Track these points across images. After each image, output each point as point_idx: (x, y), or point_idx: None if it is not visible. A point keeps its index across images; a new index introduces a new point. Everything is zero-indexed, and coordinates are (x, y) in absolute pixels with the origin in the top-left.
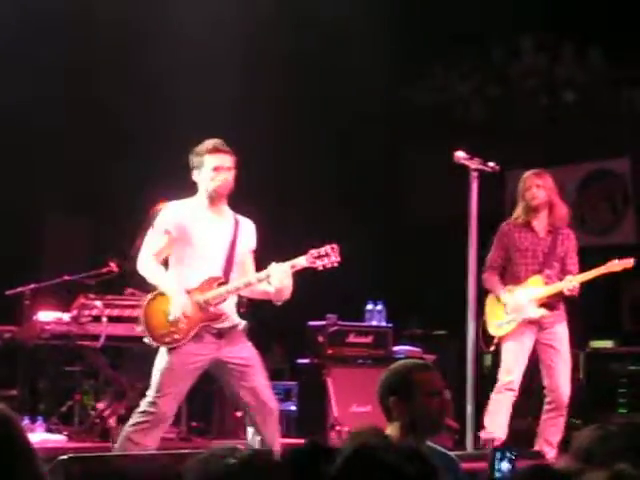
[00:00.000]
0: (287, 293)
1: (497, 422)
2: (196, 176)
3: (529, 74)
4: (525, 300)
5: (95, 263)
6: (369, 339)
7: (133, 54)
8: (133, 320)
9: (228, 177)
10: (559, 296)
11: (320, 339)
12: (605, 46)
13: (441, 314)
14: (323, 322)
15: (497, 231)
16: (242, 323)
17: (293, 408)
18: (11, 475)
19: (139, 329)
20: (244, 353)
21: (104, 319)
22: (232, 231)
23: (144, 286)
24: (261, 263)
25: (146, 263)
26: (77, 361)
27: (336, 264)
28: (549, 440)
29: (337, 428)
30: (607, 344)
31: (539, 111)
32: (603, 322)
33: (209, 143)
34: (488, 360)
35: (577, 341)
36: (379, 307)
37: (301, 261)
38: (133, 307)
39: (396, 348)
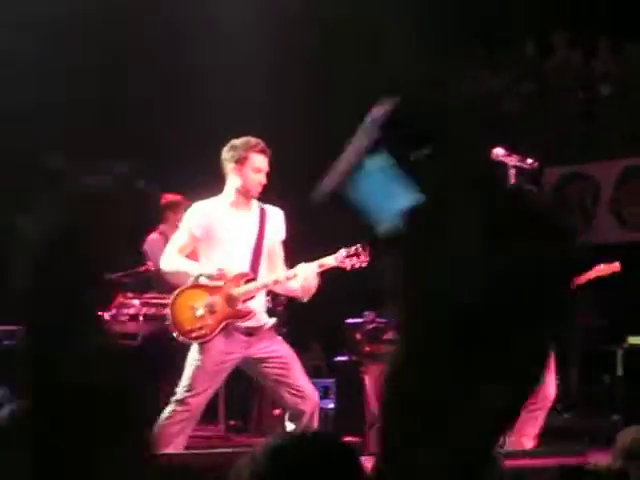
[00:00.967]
0: (313, 291)
1: None
2: (232, 169)
3: (564, 69)
4: None
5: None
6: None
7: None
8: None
9: (264, 180)
10: None
11: (358, 336)
12: None
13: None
14: (361, 319)
15: None
16: (270, 321)
17: (331, 406)
18: None
19: (167, 324)
20: (276, 348)
21: (140, 318)
22: (258, 224)
23: (165, 289)
24: (295, 256)
25: (170, 259)
26: None
27: (365, 264)
28: (528, 433)
29: (376, 425)
30: None
31: (575, 106)
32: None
33: (255, 141)
34: None
35: (614, 337)
36: None
37: (330, 260)
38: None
39: None
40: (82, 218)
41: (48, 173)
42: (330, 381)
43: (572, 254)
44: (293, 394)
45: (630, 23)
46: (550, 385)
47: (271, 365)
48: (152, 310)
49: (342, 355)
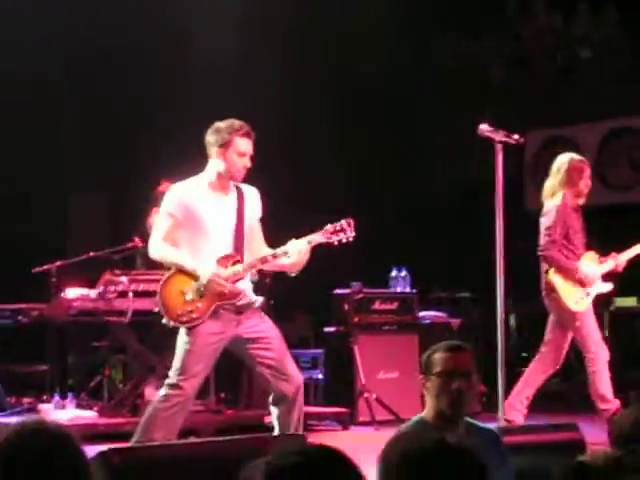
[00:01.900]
0: (302, 266)
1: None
2: (215, 152)
3: (544, 33)
4: (597, 275)
5: (117, 239)
6: (394, 305)
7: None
8: None
9: (248, 164)
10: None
11: (346, 307)
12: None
13: (465, 277)
14: (348, 290)
15: (556, 211)
16: (259, 300)
17: (320, 376)
18: None
19: (156, 309)
20: (263, 328)
21: (130, 294)
22: (237, 204)
23: (152, 265)
24: (283, 233)
25: (157, 247)
26: (105, 337)
27: (351, 239)
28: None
29: (365, 395)
30: (631, 301)
31: (555, 70)
32: (627, 279)
33: (239, 124)
34: (512, 320)
35: (601, 299)
36: (403, 273)
37: (317, 237)
38: (158, 282)
39: (422, 314)
40: None
41: None
42: (319, 351)
43: None
44: (277, 377)
45: None
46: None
47: (258, 346)
48: (141, 286)
49: (330, 326)
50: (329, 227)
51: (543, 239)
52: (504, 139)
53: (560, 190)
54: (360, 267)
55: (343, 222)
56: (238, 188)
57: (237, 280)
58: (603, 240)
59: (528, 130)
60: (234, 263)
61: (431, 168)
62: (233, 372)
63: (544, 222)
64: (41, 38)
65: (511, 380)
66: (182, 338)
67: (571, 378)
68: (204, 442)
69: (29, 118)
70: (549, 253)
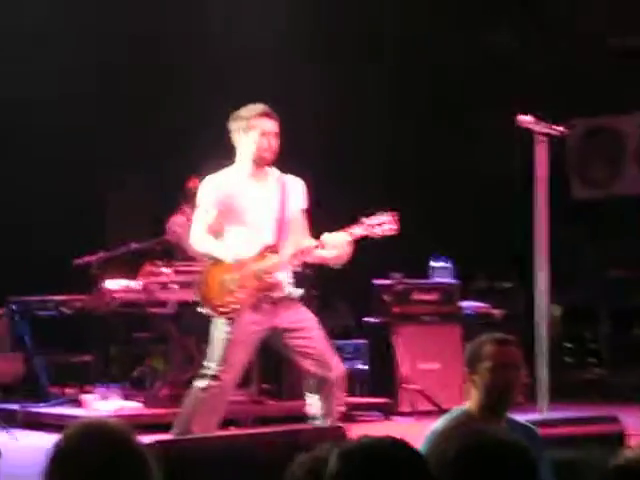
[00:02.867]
0: (345, 259)
1: None
2: (239, 140)
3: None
4: None
5: (157, 229)
6: (435, 296)
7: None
8: None
9: (274, 143)
10: None
11: (386, 298)
12: None
13: (507, 267)
14: (389, 281)
15: None
16: (298, 292)
17: (362, 367)
18: None
19: (196, 299)
20: (300, 318)
21: (172, 285)
22: (279, 194)
23: (190, 258)
24: (324, 226)
25: (199, 240)
26: (146, 327)
27: (394, 231)
28: None
29: (406, 386)
30: None
31: (598, 59)
32: None
33: (256, 107)
34: (557, 311)
35: None
36: (445, 264)
37: (359, 230)
38: (199, 272)
39: (463, 304)
40: None
41: None
42: (361, 342)
43: None
44: (317, 366)
45: None
46: None
47: (295, 336)
48: (182, 277)
49: (370, 316)
50: (371, 219)
51: None
52: (547, 130)
53: None
54: (402, 257)
55: (385, 215)
56: (281, 178)
57: (276, 270)
58: None
59: (568, 120)
60: (274, 253)
61: (474, 157)
62: (276, 363)
63: None
64: (73, 31)
65: (554, 371)
66: (221, 328)
67: (612, 368)
68: (245, 434)
69: (68, 110)
70: None
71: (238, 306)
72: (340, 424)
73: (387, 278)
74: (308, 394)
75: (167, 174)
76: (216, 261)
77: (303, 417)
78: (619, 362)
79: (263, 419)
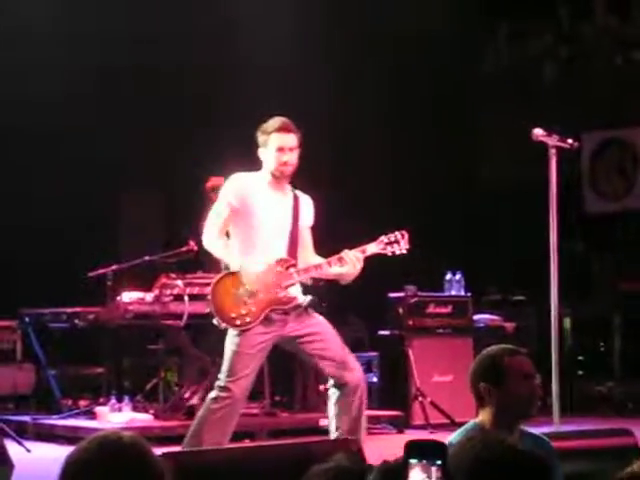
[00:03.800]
0: (355, 276)
1: None
2: (261, 154)
3: (601, 34)
4: None
5: (172, 240)
6: (449, 309)
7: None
8: None
9: (291, 158)
10: None
11: (400, 310)
12: None
13: (519, 280)
14: (402, 293)
15: None
16: (306, 299)
17: (374, 380)
18: None
19: (208, 310)
20: (311, 323)
21: (186, 298)
22: (292, 209)
23: (214, 268)
24: (334, 244)
25: (212, 238)
26: (160, 339)
27: (405, 251)
28: None
29: (419, 398)
30: None
31: (612, 71)
32: None
33: (275, 121)
34: (567, 323)
35: None
36: (458, 277)
37: (372, 248)
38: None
39: (476, 317)
40: None
41: None
42: (373, 355)
43: None
44: (335, 366)
45: None
46: None
47: (308, 340)
48: (196, 289)
49: (384, 329)
50: (384, 238)
51: None
52: (558, 143)
53: None
54: (415, 270)
55: (397, 234)
56: (295, 194)
57: (291, 285)
58: None
59: (582, 132)
60: (288, 267)
61: (486, 170)
62: (288, 376)
63: None
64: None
65: (566, 384)
66: (230, 339)
67: (624, 381)
68: (257, 447)
69: (78, 117)
70: None
71: (250, 319)
72: (354, 437)
73: (401, 291)
74: (329, 400)
75: (181, 188)
76: (228, 272)
77: (316, 429)
78: (631, 375)
79: (276, 431)
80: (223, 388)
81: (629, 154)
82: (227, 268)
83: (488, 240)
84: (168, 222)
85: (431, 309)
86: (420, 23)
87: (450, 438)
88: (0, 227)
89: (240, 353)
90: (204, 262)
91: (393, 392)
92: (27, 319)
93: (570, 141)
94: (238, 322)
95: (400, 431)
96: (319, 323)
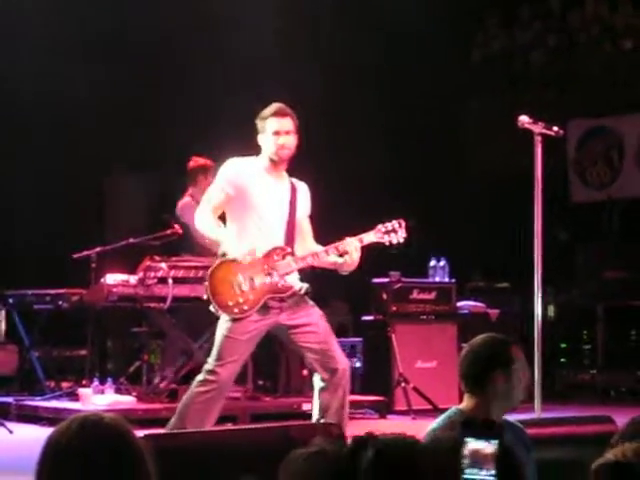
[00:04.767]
0: (354, 266)
1: None
2: (260, 140)
3: (590, 22)
4: None
5: (156, 224)
6: (432, 295)
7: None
8: (198, 281)
9: (287, 141)
10: None
11: (384, 296)
12: None
13: (504, 267)
14: (387, 279)
15: None
16: (304, 287)
17: (358, 365)
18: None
19: (205, 297)
20: (306, 314)
21: (170, 280)
22: (290, 196)
23: (196, 251)
24: (329, 233)
25: (204, 218)
26: (144, 322)
27: (402, 240)
28: None
29: (402, 384)
30: None
31: (600, 60)
32: None
33: (272, 107)
34: (551, 311)
35: None
36: (442, 263)
37: (370, 237)
38: (197, 268)
39: (460, 304)
40: None
41: None
42: (357, 340)
43: None
44: (322, 360)
45: None
46: None
47: (301, 331)
48: (181, 272)
49: (368, 314)
50: (381, 227)
51: None
52: (543, 131)
53: None
54: (399, 256)
55: (395, 222)
56: (292, 181)
57: (288, 273)
58: None
59: (569, 121)
60: (285, 256)
61: (471, 158)
62: (271, 360)
63: None
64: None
65: (549, 372)
66: (223, 324)
67: (607, 369)
68: (238, 429)
69: (63, 102)
70: None
71: (247, 307)
72: (343, 419)
73: (385, 277)
74: (314, 388)
75: (166, 170)
76: (226, 258)
77: (299, 413)
78: (614, 363)
79: (259, 415)
80: (211, 372)
81: (615, 143)
82: (224, 255)
83: (475, 229)
84: (153, 205)
85: (415, 295)
86: (410, 11)
87: (432, 425)
88: None
89: (231, 338)
90: (187, 245)
91: (376, 377)
92: (11, 300)
93: (555, 129)
94: (235, 310)
95: (382, 416)
96: (313, 314)
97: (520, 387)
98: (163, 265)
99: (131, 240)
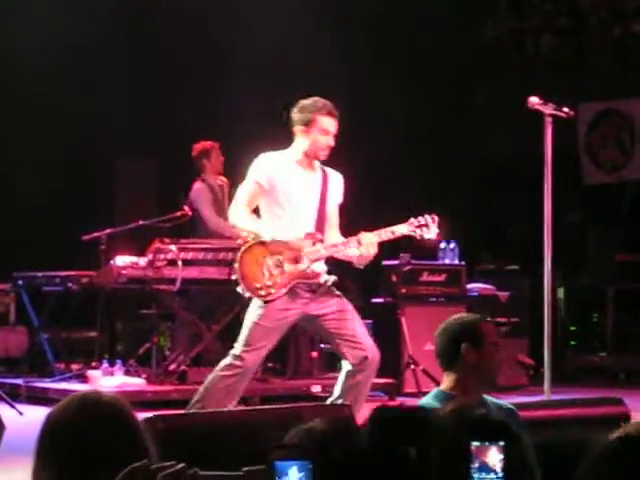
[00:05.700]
0: (370, 260)
1: None
2: (299, 131)
3: (600, 5)
4: None
5: (165, 206)
6: (442, 277)
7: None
8: (207, 263)
9: (332, 143)
10: None
11: (394, 278)
12: None
13: (514, 250)
14: (397, 261)
15: None
16: (331, 279)
17: None
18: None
19: (233, 278)
20: (333, 302)
21: (179, 263)
22: (321, 185)
23: (204, 234)
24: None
25: (238, 212)
26: (153, 304)
27: (434, 236)
28: None
29: (411, 366)
30: None
31: (609, 43)
32: None
33: (323, 103)
34: (561, 293)
35: None
36: (452, 245)
37: (402, 229)
38: (207, 250)
39: (469, 286)
40: None
41: None
42: (367, 322)
43: None
44: (351, 347)
45: None
46: None
47: (330, 319)
48: (190, 255)
49: (378, 296)
50: (414, 220)
51: None
52: (554, 112)
53: None
54: (409, 238)
55: (427, 217)
56: (324, 170)
57: (317, 260)
58: None
59: (580, 104)
60: (315, 243)
61: (482, 141)
62: (281, 342)
63: None
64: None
65: (558, 354)
66: (253, 310)
67: (617, 351)
68: (247, 410)
69: (74, 83)
70: None
71: (274, 290)
72: (347, 403)
73: (395, 259)
74: (341, 372)
75: (178, 155)
76: (258, 241)
77: (308, 395)
78: (624, 346)
79: (268, 398)
80: (237, 357)
81: (626, 126)
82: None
83: (483, 210)
84: (163, 187)
85: (425, 277)
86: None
87: (420, 403)
88: None
89: (260, 325)
90: (197, 228)
91: (386, 360)
92: (21, 282)
93: (566, 110)
94: (262, 292)
95: (392, 398)
96: (340, 303)
97: (493, 364)
98: (173, 247)
99: (141, 222)
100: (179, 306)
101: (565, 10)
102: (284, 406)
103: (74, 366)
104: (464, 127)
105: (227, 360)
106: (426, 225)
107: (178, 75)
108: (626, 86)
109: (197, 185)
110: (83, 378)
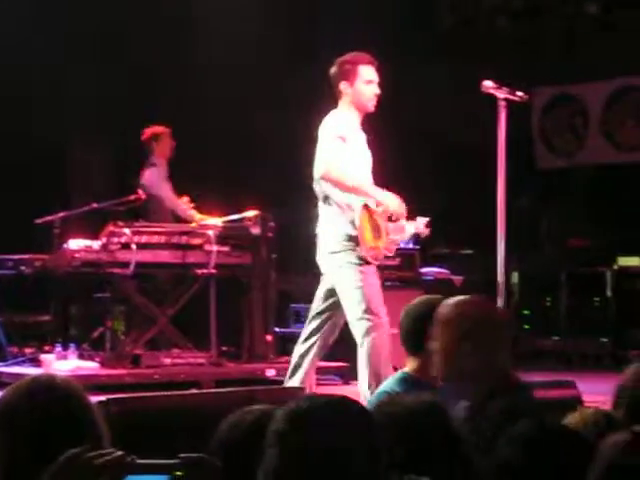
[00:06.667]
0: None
1: None
2: (344, 86)
3: None
4: None
5: (120, 190)
6: (396, 261)
7: None
8: (161, 247)
9: (378, 91)
10: None
11: None
12: None
13: (467, 234)
14: None
15: None
16: None
17: None
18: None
19: (354, 233)
20: None
21: (133, 246)
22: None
23: (153, 217)
24: None
25: (338, 169)
26: (107, 288)
27: (423, 236)
28: None
29: None
30: (634, 261)
31: (564, 27)
32: (631, 237)
33: (361, 54)
34: (515, 278)
35: (604, 258)
36: None
37: (409, 228)
38: (160, 234)
39: (424, 270)
40: None
41: None
42: None
43: None
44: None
45: None
46: None
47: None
48: (144, 238)
49: None
50: (422, 220)
51: None
52: (508, 96)
53: None
54: None
55: (420, 219)
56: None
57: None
58: None
59: (533, 88)
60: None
61: (435, 125)
62: (235, 326)
63: None
64: None
65: (513, 338)
66: (351, 277)
67: (570, 335)
68: (203, 393)
69: (30, 65)
70: None
71: (378, 253)
72: (302, 385)
73: None
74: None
75: (133, 138)
76: (364, 204)
77: (262, 379)
78: (577, 330)
79: (223, 382)
80: (369, 319)
81: (579, 110)
82: (177, 219)
83: (437, 194)
84: (117, 170)
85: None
86: None
87: (382, 387)
88: None
89: (371, 285)
90: (149, 212)
91: (340, 343)
92: None
93: (520, 94)
94: (372, 254)
95: (346, 382)
96: None
97: None
98: (126, 230)
99: (95, 205)
100: (133, 290)
101: None
102: (237, 389)
103: (27, 350)
104: (418, 110)
105: (362, 329)
106: (430, 225)
107: (135, 59)
108: (579, 70)
109: (149, 170)
110: (36, 362)
